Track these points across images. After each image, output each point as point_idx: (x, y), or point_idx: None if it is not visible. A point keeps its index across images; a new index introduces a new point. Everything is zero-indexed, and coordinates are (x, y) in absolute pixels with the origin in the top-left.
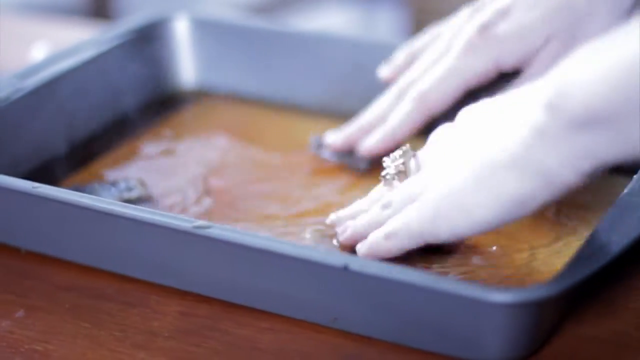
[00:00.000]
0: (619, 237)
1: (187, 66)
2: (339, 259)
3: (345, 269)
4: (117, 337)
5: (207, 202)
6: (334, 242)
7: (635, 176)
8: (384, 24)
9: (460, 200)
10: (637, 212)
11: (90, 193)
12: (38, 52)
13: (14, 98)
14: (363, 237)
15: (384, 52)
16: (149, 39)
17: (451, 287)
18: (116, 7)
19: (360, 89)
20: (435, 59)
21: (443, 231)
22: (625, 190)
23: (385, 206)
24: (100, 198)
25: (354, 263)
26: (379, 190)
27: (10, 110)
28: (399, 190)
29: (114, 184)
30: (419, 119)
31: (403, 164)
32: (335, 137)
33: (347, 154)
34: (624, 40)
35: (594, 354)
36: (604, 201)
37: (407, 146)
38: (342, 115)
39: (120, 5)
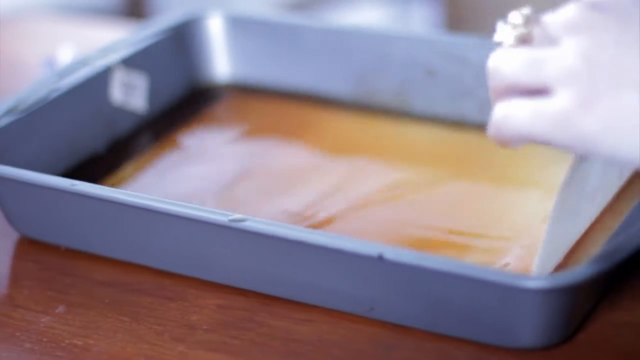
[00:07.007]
0: None
1: (221, 62)
2: (374, 248)
3: (379, 258)
4: (156, 330)
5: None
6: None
7: None
8: (418, 18)
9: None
10: None
11: None
12: (64, 54)
13: (52, 97)
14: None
15: (415, 44)
16: (184, 37)
17: (484, 274)
18: (151, 8)
19: (391, 82)
20: None
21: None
22: None
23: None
24: (136, 194)
25: (388, 252)
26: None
27: (48, 109)
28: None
29: None
30: None
31: (527, 33)
32: None
33: None
34: None
35: (628, 340)
36: (634, 189)
37: (529, 9)
38: (373, 108)
39: (155, 5)
